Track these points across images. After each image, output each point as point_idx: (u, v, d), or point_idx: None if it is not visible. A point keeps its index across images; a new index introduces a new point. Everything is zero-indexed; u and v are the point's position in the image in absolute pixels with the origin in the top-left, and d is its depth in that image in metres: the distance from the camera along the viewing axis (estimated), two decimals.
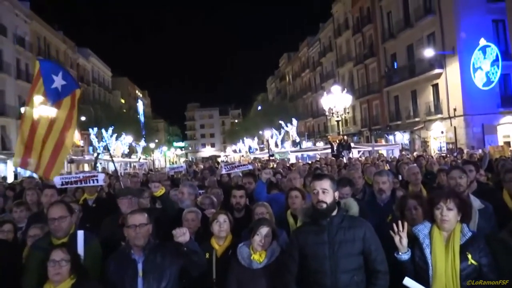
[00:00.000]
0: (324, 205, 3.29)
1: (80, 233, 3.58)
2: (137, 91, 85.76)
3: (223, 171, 8.82)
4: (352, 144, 22.84)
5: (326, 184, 3.33)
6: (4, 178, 26.43)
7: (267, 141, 46.89)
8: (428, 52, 27.87)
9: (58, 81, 5.88)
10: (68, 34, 50.53)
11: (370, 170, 7.61)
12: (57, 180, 5.92)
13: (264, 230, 3.68)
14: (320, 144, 38.73)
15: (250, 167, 9.02)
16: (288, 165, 15.79)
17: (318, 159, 19.16)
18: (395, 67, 34.93)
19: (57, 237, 3.64)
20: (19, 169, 34.31)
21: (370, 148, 25.94)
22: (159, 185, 4.73)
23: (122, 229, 3.99)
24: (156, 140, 73.29)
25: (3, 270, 3.21)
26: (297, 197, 4.90)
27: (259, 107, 63.35)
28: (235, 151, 79.19)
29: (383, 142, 33.77)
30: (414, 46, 31.56)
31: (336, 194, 3.39)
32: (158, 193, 4.64)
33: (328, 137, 29.11)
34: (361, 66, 41.59)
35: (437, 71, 28.56)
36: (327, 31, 51.88)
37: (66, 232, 3.68)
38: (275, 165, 14.44)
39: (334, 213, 3.34)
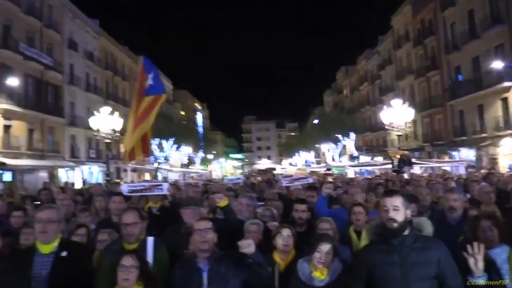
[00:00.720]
0: (395, 224, 3.09)
1: (150, 240, 3.68)
2: (196, 104, 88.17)
3: (283, 184, 8.77)
4: (414, 160, 21.93)
5: (397, 201, 3.13)
6: (72, 184, 27.97)
7: (324, 154, 46.33)
8: (497, 64, 26.43)
9: (150, 80, 6.43)
10: (133, 48, 53.24)
11: (436, 187, 7.33)
12: (124, 188, 6.18)
13: (325, 247, 3.56)
14: (379, 159, 37.72)
15: (311, 180, 8.88)
16: (347, 179, 15.48)
17: (378, 174, 18.66)
18: (460, 80, 33.49)
19: (129, 242, 3.76)
20: (86, 176, 36.35)
21: (433, 164, 24.88)
22: (223, 196, 4.75)
23: (184, 238, 4.06)
24: (214, 152, 74.71)
25: (78, 272, 3.35)
26: (361, 213, 4.79)
27: (316, 121, 62.77)
28: (291, 164, 79.01)
29: (447, 158, 32.29)
30: (480, 58, 30.06)
31: (408, 212, 3.17)
32: (221, 204, 4.65)
33: (388, 151, 28.31)
34: (422, 79, 40.23)
35: (506, 84, 26.91)
36: (386, 43, 50.84)
37: (137, 237, 3.79)
38: (331, 179, 14.19)
39: (406, 232, 3.12)
